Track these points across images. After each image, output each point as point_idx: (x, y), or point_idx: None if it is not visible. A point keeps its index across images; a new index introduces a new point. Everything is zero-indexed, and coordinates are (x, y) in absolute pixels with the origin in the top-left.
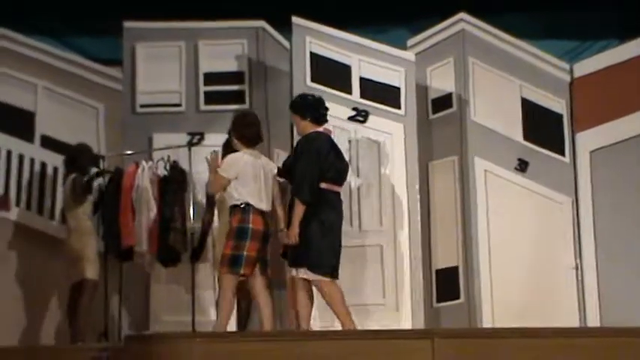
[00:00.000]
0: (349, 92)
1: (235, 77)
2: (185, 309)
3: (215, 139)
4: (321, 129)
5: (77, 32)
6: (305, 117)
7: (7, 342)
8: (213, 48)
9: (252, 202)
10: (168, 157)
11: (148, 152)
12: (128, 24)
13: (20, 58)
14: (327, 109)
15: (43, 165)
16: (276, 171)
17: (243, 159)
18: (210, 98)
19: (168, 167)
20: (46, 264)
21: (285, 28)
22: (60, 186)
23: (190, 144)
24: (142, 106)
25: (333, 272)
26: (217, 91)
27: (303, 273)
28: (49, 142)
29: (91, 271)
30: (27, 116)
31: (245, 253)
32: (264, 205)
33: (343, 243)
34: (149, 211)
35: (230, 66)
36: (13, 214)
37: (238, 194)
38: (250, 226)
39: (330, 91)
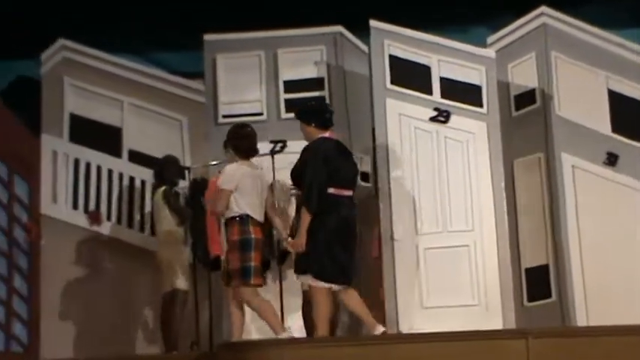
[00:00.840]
0: (430, 93)
1: (315, 84)
2: None
3: (297, 146)
4: (327, 134)
5: (159, 48)
6: (310, 123)
7: (103, 353)
8: (292, 55)
9: (250, 213)
10: None
11: None
12: (208, 36)
13: (107, 76)
14: (331, 112)
15: (132, 179)
16: (270, 183)
17: (241, 170)
18: (292, 105)
19: None
20: (138, 275)
21: (363, 32)
22: (148, 199)
23: (273, 152)
24: (225, 116)
25: (337, 278)
26: (298, 98)
27: (307, 280)
28: (136, 157)
29: (182, 281)
30: (114, 132)
31: (252, 263)
32: (262, 217)
33: (430, 244)
34: None
35: (309, 73)
36: (105, 228)
37: (237, 206)
38: (253, 236)
39: (411, 92)
